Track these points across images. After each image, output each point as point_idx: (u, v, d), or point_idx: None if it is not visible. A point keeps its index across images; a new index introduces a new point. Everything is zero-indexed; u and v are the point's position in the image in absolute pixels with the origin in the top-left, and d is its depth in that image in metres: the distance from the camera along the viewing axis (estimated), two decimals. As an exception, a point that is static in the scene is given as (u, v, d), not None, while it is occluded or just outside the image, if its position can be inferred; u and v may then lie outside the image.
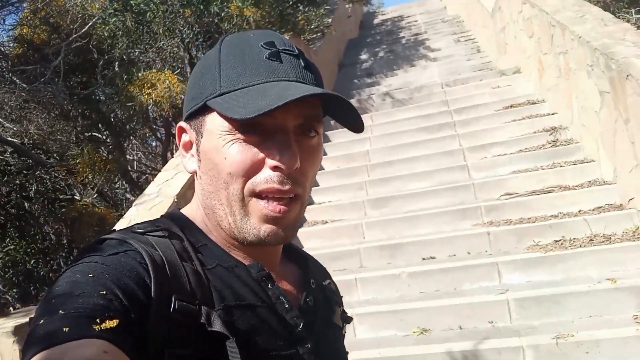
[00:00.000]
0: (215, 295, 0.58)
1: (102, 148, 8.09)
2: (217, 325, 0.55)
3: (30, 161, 7.66)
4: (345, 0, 11.87)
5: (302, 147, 0.61)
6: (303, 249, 0.79)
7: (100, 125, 8.34)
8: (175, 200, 3.74)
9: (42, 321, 0.47)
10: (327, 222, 4.76)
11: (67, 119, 8.12)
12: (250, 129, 0.59)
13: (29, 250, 7.59)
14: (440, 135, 5.60)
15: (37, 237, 8.04)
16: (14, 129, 8.19)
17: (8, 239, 7.87)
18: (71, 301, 0.49)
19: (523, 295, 3.14)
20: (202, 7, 5.83)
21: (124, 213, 4.69)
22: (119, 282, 0.51)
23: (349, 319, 0.79)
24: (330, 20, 8.97)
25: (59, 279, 0.53)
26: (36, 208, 7.95)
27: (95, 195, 8.46)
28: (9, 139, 7.41)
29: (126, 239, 0.57)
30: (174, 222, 0.63)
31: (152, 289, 0.53)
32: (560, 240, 3.61)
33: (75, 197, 8.07)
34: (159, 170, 5.04)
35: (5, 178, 6.78)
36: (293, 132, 0.60)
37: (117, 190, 9.93)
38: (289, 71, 0.60)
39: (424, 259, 3.89)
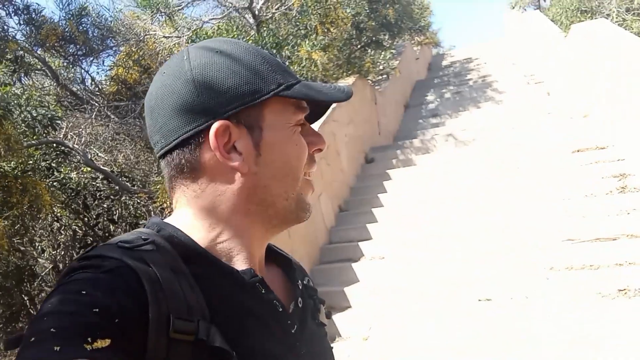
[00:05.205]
0: (211, 307, 0.56)
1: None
2: (217, 341, 0.53)
3: (117, 187, 8.44)
4: (413, 42, 12.14)
5: None
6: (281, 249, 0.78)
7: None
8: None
9: (32, 339, 0.46)
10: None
11: (151, 150, 8.91)
12: (301, 119, 0.66)
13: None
14: (504, 177, 5.57)
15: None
16: (105, 158, 9.10)
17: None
18: (62, 319, 0.47)
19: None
20: (275, 51, 6.33)
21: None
22: (113, 300, 0.49)
23: (328, 314, 0.79)
24: (397, 62, 9.24)
25: (51, 296, 0.50)
26: (119, 232, 8.67)
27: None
28: (101, 167, 8.25)
29: (116, 255, 0.54)
30: (160, 233, 0.60)
31: (150, 307, 0.51)
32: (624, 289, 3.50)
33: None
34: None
35: (96, 202, 7.53)
36: None
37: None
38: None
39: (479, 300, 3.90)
